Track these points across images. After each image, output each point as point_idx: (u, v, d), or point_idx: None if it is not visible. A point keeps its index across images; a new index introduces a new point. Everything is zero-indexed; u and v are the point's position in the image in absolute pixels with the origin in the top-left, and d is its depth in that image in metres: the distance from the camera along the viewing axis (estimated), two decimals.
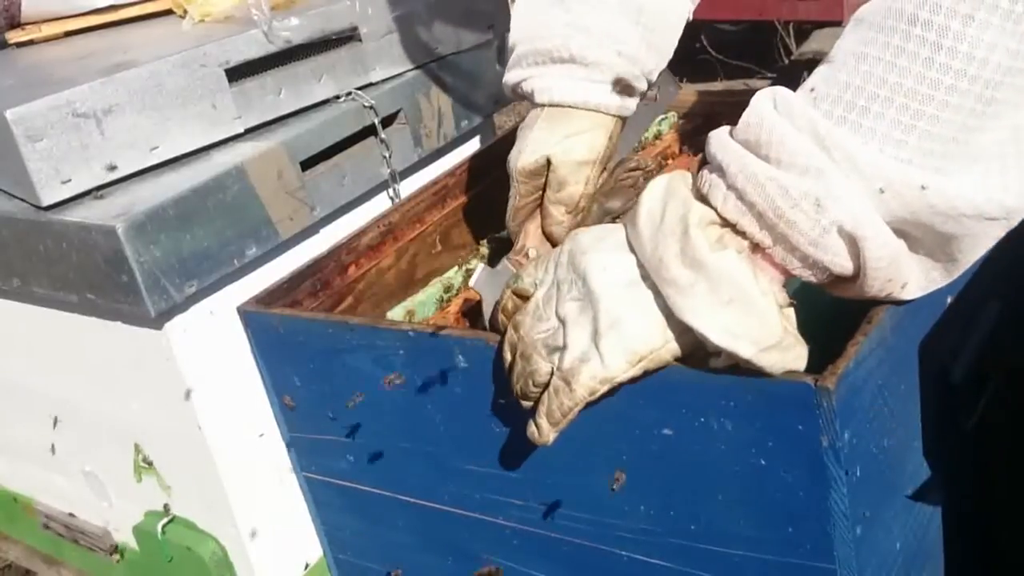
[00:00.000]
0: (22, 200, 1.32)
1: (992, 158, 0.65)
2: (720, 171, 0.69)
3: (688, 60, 3.77)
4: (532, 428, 0.76)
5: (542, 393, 0.75)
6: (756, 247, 0.69)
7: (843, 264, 0.67)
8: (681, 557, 0.80)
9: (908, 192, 0.65)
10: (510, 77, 1.07)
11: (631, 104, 1.05)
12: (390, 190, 1.59)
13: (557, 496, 0.85)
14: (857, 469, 0.70)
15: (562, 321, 0.75)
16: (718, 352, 0.70)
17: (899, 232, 0.68)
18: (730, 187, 0.69)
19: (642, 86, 1.05)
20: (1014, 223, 0.68)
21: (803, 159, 0.66)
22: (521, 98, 1.08)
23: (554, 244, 1.06)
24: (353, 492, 1.02)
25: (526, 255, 1.06)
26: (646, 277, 0.72)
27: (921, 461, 0.83)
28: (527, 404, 0.77)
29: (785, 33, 3.60)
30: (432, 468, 0.93)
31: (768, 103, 0.69)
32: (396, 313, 1.12)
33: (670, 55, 1.07)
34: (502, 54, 1.78)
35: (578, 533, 0.86)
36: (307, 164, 1.44)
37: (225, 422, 1.38)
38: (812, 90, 0.68)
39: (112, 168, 1.30)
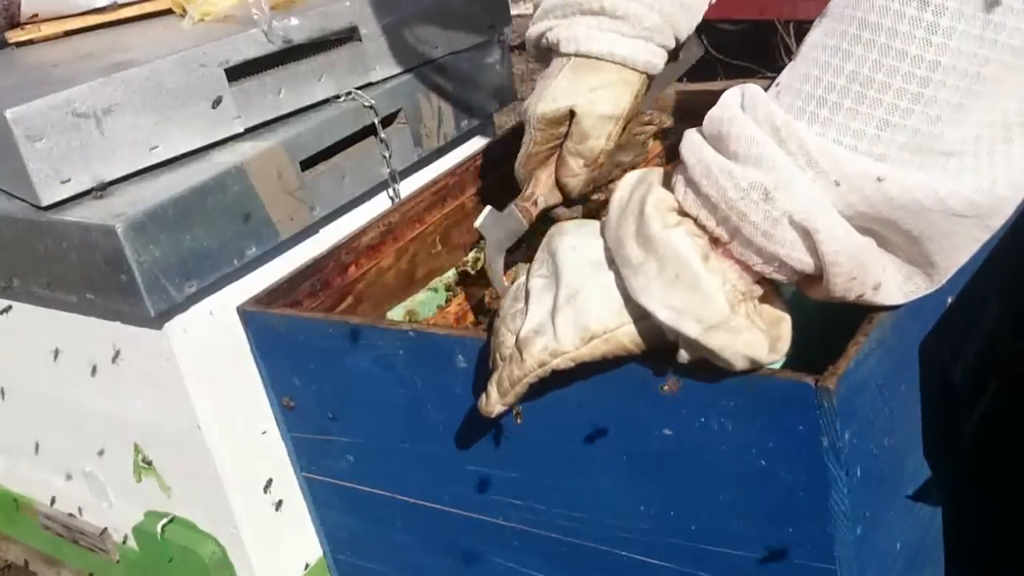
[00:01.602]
0: (22, 200, 1.32)
1: (964, 154, 0.63)
2: (683, 166, 0.70)
3: None
4: (483, 397, 0.77)
5: None
6: (718, 242, 0.68)
7: (800, 259, 0.66)
8: (681, 557, 0.80)
9: (865, 184, 0.63)
10: (533, 30, 1.05)
11: (659, 61, 1.03)
12: (390, 190, 1.59)
13: (557, 496, 0.85)
14: (857, 469, 0.70)
15: (527, 295, 0.76)
16: (682, 345, 0.69)
17: (865, 230, 0.66)
18: (688, 180, 0.69)
19: (671, 44, 1.03)
20: (991, 224, 0.66)
21: (758, 150, 0.65)
22: (544, 52, 1.06)
23: (565, 196, 1.05)
24: (353, 492, 1.02)
25: (534, 203, 1.05)
26: (611, 260, 0.73)
27: (921, 461, 0.83)
28: None
29: (785, 33, 3.59)
30: (432, 468, 0.93)
31: (736, 98, 0.68)
32: (396, 313, 1.12)
33: (701, 15, 1.05)
34: (503, 54, 1.78)
35: (578, 533, 0.85)
36: (307, 164, 1.44)
37: (225, 422, 1.38)
38: (777, 84, 0.68)
39: (111, 168, 1.30)
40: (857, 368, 0.69)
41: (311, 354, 0.96)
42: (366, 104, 1.52)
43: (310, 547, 1.43)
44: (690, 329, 0.67)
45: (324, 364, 0.95)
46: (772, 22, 3.57)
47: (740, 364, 0.69)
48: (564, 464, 0.83)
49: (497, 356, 0.76)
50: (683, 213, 0.69)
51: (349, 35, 1.54)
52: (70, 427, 1.59)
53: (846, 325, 0.73)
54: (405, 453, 0.94)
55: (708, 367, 0.70)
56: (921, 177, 0.63)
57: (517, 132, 1.31)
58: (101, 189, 1.29)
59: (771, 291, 0.71)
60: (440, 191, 1.24)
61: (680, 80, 1.27)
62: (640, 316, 0.71)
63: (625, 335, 0.71)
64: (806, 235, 0.65)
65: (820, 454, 0.68)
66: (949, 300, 0.84)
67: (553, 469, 0.84)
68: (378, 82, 1.58)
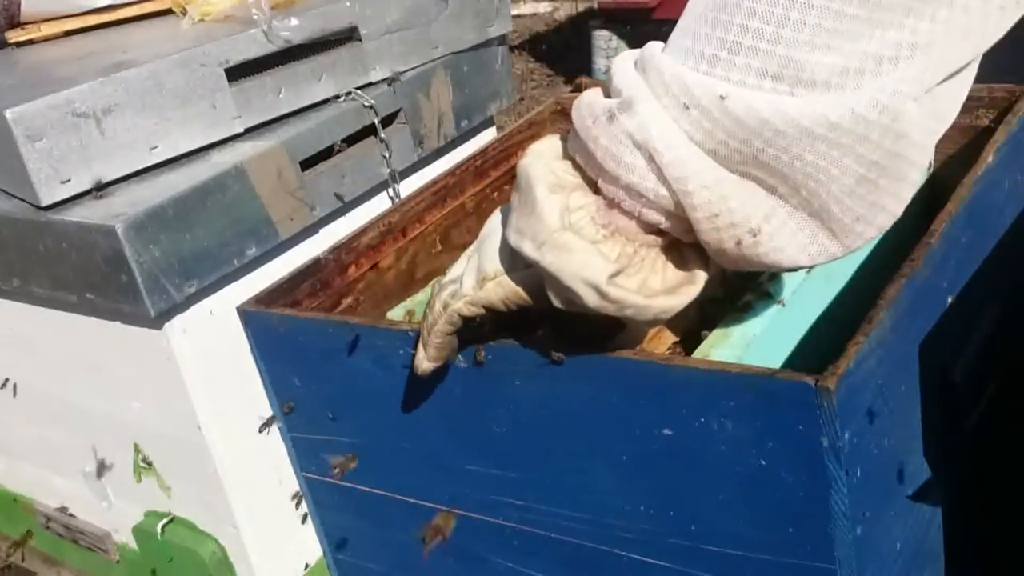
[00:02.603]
0: (22, 200, 1.32)
1: (829, 85, 0.59)
2: None
3: None
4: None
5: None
6: (597, 189, 0.68)
7: (655, 189, 0.64)
8: (681, 557, 0.80)
9: (712, 106, 0.60)
10: None
11: None
12: (390, 190, 1.59)
13: (557, 496, 0.85)
14: (857, 469, 0.70)
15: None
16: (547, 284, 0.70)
17: (745, 174, 0.63)
18: (572, 123, 0.69)
19: None
20: (874, 159, 0.60)
21: (620, 81, 0.65)
22: None
23: None
24: (353, 492, 1.02)
25: None
26: None
27: (921, 461, 0.83)
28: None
29: None
30: (432, 468, 0.93)
31: (633, 52, 0.68)
32: (396, 313, 1.12)
33: None
34: (503, 54, 1.78)
35: (578, 533, 0.85)
36: (307, 164, 1.45)
37: (225, 422, 1.38)
38: None
39: (111, 168, 1.30)
40: (857, 368, 0.69)
41: (311, 354, 0.96)
42: (366, 104, 1.52)
43: (310, 547, 1.43)
44: (528, 248, 0.67)
45: (324, 364, 0.95)
46: None
47: (583, 292, 0.66)
48: (564, 464, 0.83)
49: (429, 316, 0.77)
50: (567, 158, 0.70)
51: (349, 35, 1.54)
52: (70, 427, 1.60)
53: (846, 325, 0.73)
54: (405, 453, 0.94)
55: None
56: (771, 97, 0.60)
57: (517, 132, 1.31)
58: (101, 189, 1.29)
59: (687, 251, 0.69)
60: (440, 191, 1.24)
61: None
62: (526, 262, 0.70)
63: (516, 280, 0.72)
64: (651, 159, 0.63)
65: (820, 454, 0.68)
66: (949, 300, 0.84)
67: (553, 469, 0.84)
68: (378, 82, 1.58)
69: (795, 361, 0.86)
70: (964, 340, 0.89)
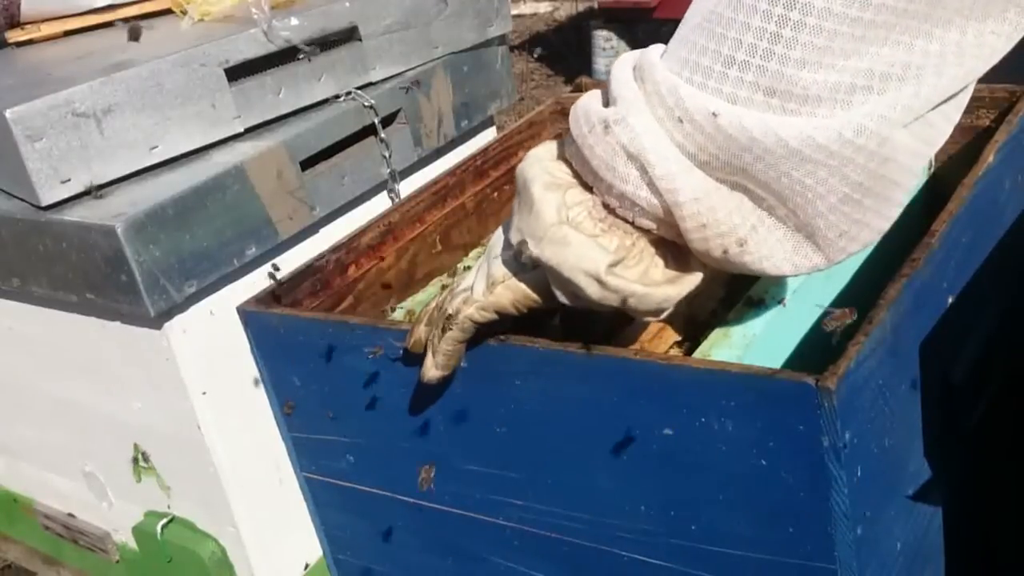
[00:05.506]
0: (22, 200, 1.32)
1: (821, 100, 0.60)
2: None
3: None
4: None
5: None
6: (591, 191, 0.69)
7: (647, 198, 0.65)
8: (681, 557, 0.80)
9: (704, 121, 0.61)
10: None
11: None
12: (390, 190, 1.59)
13: (557, 496, 0.85)
14: (858, 469, 0.70)
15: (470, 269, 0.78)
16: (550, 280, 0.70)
17: (734, 184, 0.64)
18: (568, 129, 0.70)
19: None
20: (861, 182, 0.62)
21: (619, 89, 0.65)
22: None
23: None
24: (353, 492, 1.02)
25: None
26: None
27: (922, 461, 0.83)
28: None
29: None
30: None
31: (637, 53, 0.69)
32: (396, 313, 1.12)
33: None
34: (503, 54, 1.78)
35: (578, 533, 0.85)
36: (307, 164, 1.45)
37: (225, 422, 1.38)
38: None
39: (111, 168, 1.30)
40: (857, 368, 0.69)
41: (311, 354, 0.96)
42: (366, 104, 1.52)
43: (310, 547, 1.43)
44: (531, 247, 0.68)
45: (324, 364, 0.95)
46: None
47: (584, 283, 0.67)
48: (564, 464, 0.83)
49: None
50: (563, 160, 0.70)
51: (349, 35, 1.54)
52: (70, 427, 1.59)
53: (847, 324, 0.73)
54: (405, 453, 0.94)
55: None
56: (759, 114, 0.60)
57: (517, 132, 1.31)
58: (101, 189, 1.29)
59: (678, 251, 0.70)
60: (440, 191, 1.24)
61: None
62: (532, 264, 0.71)
63: (524, 281, 0.72)
64: (644, 171, 0.64)
65: (820, 454, 0.68)
66: (949, 300, 0.84)
67: (553, 469, 0.84)
68: (378, 82, 1.58)
69: (795, 361, 0.86)
70: (964, 340, 0.89)
